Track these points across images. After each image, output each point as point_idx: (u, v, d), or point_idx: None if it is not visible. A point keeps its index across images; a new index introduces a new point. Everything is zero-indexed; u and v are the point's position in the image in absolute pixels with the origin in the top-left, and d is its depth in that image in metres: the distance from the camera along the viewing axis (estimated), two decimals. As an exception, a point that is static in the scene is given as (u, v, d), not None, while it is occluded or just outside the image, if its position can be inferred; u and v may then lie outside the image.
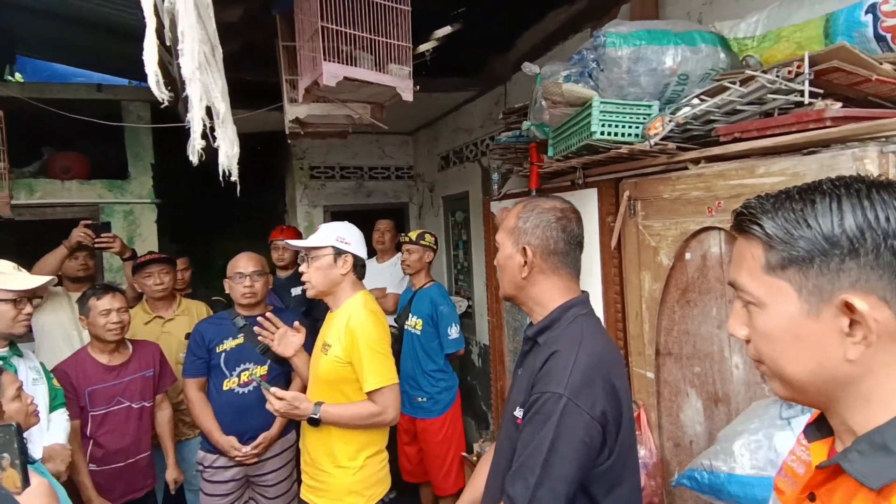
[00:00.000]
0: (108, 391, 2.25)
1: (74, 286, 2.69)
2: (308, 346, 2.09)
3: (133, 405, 2.32)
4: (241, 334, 2.31)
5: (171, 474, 2.46)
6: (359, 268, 1.93)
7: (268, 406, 1.79)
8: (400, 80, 1.99)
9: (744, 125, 1.41)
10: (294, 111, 2.38)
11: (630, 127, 1.65)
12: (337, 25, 1.83)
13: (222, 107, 1.42)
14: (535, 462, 0.96)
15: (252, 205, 5.81)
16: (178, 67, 2.35)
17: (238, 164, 1.67)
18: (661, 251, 1.61)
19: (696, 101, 1.52)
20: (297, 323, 2.10)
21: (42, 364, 1.97)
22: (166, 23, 1.85)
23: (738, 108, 1.43)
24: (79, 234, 2.59)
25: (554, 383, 1.00)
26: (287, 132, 2.71)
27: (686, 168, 1.56)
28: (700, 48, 1.61)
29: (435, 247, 3.05)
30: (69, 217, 3.58)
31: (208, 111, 1.47)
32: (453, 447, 2.81)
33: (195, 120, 1.27)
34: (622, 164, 1.75)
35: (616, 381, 1.05)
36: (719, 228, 1.46)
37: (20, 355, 1.86)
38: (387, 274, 3.43)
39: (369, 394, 1.78)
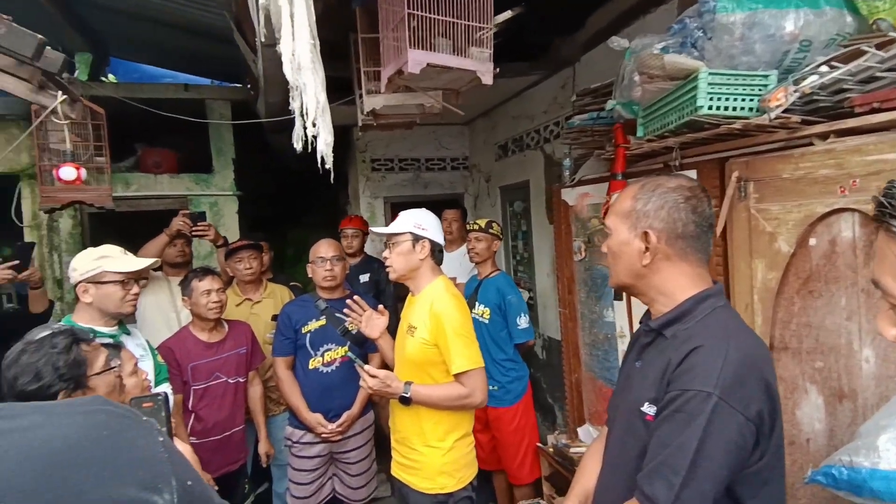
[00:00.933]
0: (207, 367, 2.38)
1: (173, 271, 2.84)
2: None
3: (229, 380, 2.43)
4: (323, 316, 2.41)
5: (262, 448, 2.58)
6: (437, 253, 1.96)
7: (361, 383, 1.84)
8: (480, 64, 1.92)
9: (884, 93, 1.26)
10: (371, 102, 2.38)
11: (743, 100, 1.51)
12: (421, 11, 1.78)
13: (322, 97, 1.43)
14: (680, 462, 0.88)
15: (318, 197, 5.99)
16: (261, 65, 2.39)
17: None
18: (780, 237, 1.48)
19: (824, 68, 1.37)
20: (381, 306, 2.16)
21: (147, 341, 2.06)
22: (261, 20, 1.85)
23: (877, 74, 1.29)
24: (179, 222, 2.73)
25: (700, 381, 0.91)
26: (359, 125, 2.72)
27: (811, 144, 1.42)
28: (824, 11, 1.46)
29: (501, 236, 2.99)
30: (161, 208, 3.85)
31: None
32: (527, 437, 2.76)
33: (309, 107, 1.25)
34: (729, 143, 1.62)
35: (769, 377, 0.95)
36: (854, 210, 1.31)
37: (128, 333, 1.94)
38: (455, 263, 3.39)
39: (457, 376, 1.80)
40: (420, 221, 1.93)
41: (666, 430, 0.93)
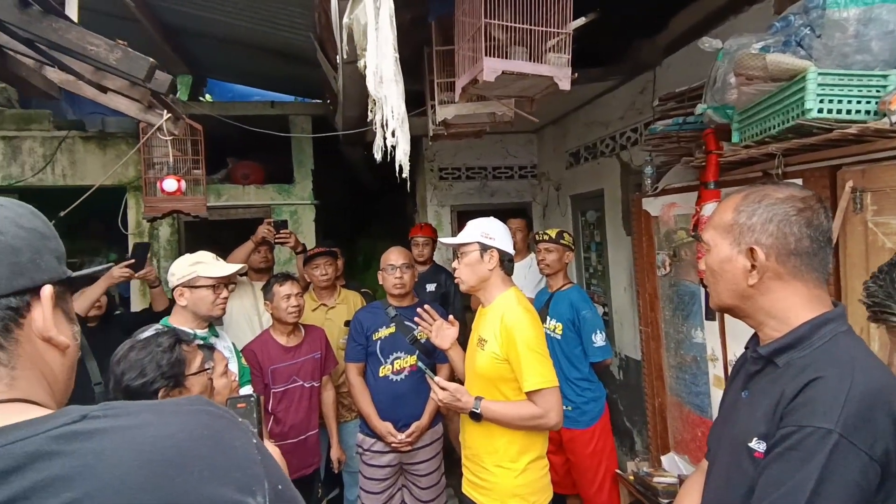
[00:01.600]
0: (286, 370, 2.46)
1: (257, 276, 3.00)
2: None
3: (305, 384, 2.50)
4: (393, 324, 2.43)
5: (335, 453, 2.63)
6: (506, 263, 1.89)
7: (431, 395, 1.82)
8: (558, 69, 1.86)
9: None
10: (443, 112, 2.40)
11: (858, 102, 1.36)
12: (497, 20, 1.76)
13: (402, 108, 1.45)
14: None
15: (386, 206, 6.16)
16: (341, 81, 2.48)
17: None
18: (908, 253, 1.30)
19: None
20: (451, 317, 2.13)
21: (233, 343, 2.17)
22: (343, 38, 1.92)
23: None
24: (264, 230, 2.89)
25: (819, 416, 0.81)
26: (430, 135, 2.75)
27: (946, 149, 1.24)
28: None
29: (573, 247, 2.87)
30: (247, 217, 4.15)
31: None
32: (605, 462, 2.61)
33: (390, 118, 1.26)
34: (842, 149, 1.45)
35: None
36: None
37: (217, 336, 2.05)
38: (521, 275, 3.31)
39: (529, 394, 1.72)
40: (487, 230, 1.88)
41: (778, 470, 0.84)
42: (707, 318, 1.97)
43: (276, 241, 2.98)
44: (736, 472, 0.94)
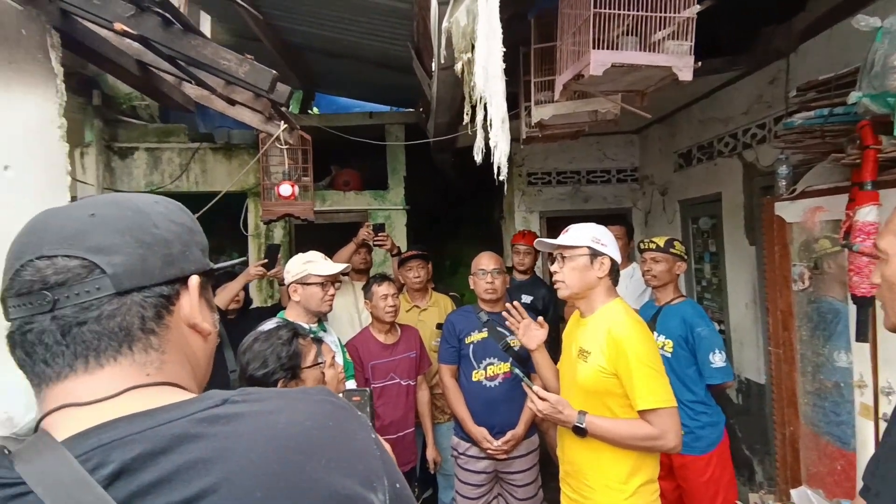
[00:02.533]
0: (385, 367, 2.52)
1: (357, 276, 3.14)
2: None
3: (402, 382, 2.55)
4: (485, 329, 2.40)
5: (430, 453, 2.65)
6: (615, 273, 1.75)
7: (529, 404, 1.73)
8: (678, 58, 1.69)
9: None
10: (540, 113, 2.31)
11: None
12: (608, 9, 1.63)
13: (504, 107, 1.40)
14: None
15: (474, 211, 6.18)
16: (435, 87, 2.49)
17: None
18: None
19: None
20: (541, 318, 2.04)
21: (338, 338, 2.27)
22: (442, 42, 1.91)
23: None
24: (364, 232, 3.02)
25: None
26: (523, 137, 2.65)
27: None
28: None
29: (685, 257, 2.60)
30: (347, 221, 4.37)
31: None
32: (722, 492, 2.33)
33: (495, 116, 1.21)
34: None
35: None
36: None
37: (325, 331, 2.16)
38: (622, 286, 3.06)
39: (643, 413, 1.57)
40: (599, 236, 1.75)
41: None
42: (858, 340, 1.68)
43: (375, 243, 3.08)
44: None
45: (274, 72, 1.54)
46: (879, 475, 0.93)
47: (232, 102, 1.80)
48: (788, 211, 2.03)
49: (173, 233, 0.57)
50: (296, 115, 4.13)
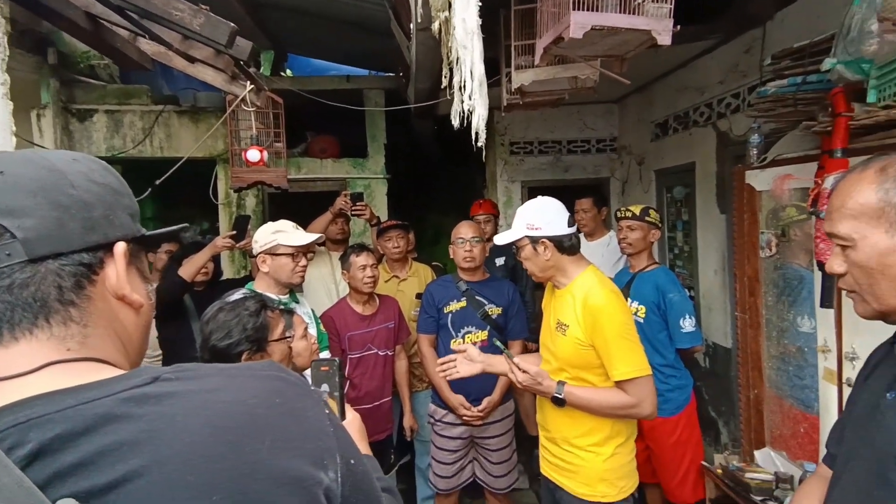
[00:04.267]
0: (362, 337, 2.52)
1: (334, 247, 3.10)
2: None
3: (379, 353, 2.56)
4: (464, 298, 2.41)
5: (407, 421, 2.68)
6: (566, 243, 1.72)
7: (509, 374, 1.74)
8: (657, 22, 1.66)
9: None
10: (520, 79, 2.26)
11: None
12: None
13: (480, 69, 1.35)
14: None
15: (456, 181, 6.12)
16: (414, 50, 2.40)
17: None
18: None
19: None
20: (471, 349, 1.88)
21: (312, 310, 2.23)
22: (419, 1, 1.84)
23: None
24: (341, 202, 2.95)
25: None
26: (504, 104, 2.61)
27: None
28: None
29: (660, 224, 2.65)
30: (324, 190, 4.25)
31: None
32: (689, 453, 2.44)
33: (468, 77, 1.17)
34: None
35: None
36: None
37: (297, 302, 2.11)
38: (598, 254, 3.13)
39: (619, 383, 1.61)
40: (531, 220, 1.72)
41: None
42: (822, 306, 1.74)
43: (353, 213, 3.03)
44: (880, 487, 0.80)
45: (232, 24, 1.45)
46: (845, 443, 0.93)
47: (191, 60, 1.70)
48: (758, 179, 2.06)
49: (94, 194, 0.52)
50: (267, 76, 3.96)
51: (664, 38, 1.66)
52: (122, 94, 4.01)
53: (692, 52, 3.05)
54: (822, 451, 1.02)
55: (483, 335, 2.39)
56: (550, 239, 1.69)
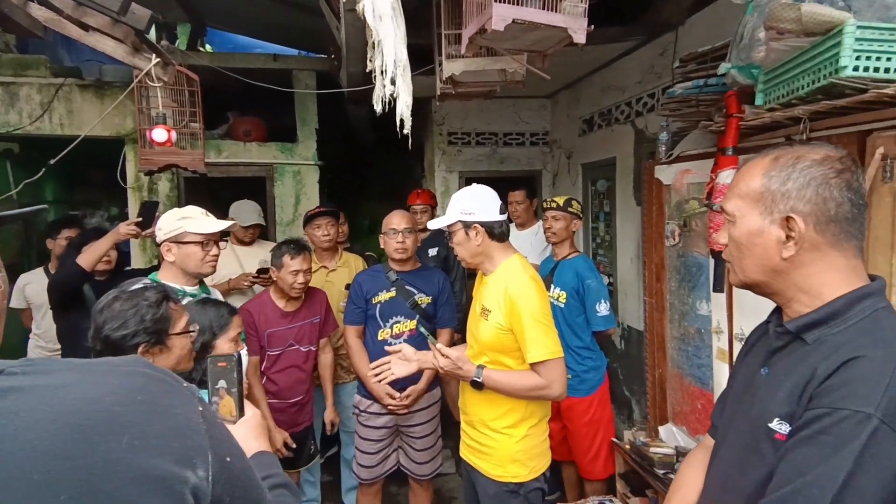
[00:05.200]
0: (283, 334, 2.45)
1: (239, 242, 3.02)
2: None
3: (302, 348, 2.50)
4: (394, 288, 2.40)
5: (329, 415, 2.64)
6: (496, 233, 1.79)
7: (433, 362, 1.78)
8: (573, 20, 1.74)
9: None
10: (450, 68, 2.28)
11: (901, 59, 1.25)
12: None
13: (403, 54, 1.35)
14: (821, 495, 0.72)
15: (394, 170, 6.06)
16: (344, 31, 2.35)
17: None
18: (939, 225, 1.21)
19: None
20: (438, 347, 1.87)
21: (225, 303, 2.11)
22: None
23: None
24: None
25: (858, 399, 0.74)
26: (437, 93, 2.63)
27: None
28: None
29: (581, 215, 2.79)
30: (249, 175, 4.04)
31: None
32: (601, 431, 2.61)
33: (389, 63, 1.17)
34: (876, 112, 1.35)
35: None
36: None
37: (208, 293, 2.01)
38: (528, 243, 3.26)
39: (533, 365, 1.69)
40: (465, 206, 1.79)
41: (804, 455, 0.77)
42: (715, 290, 1.90)
43: (255, 281, 2.89)
44: (752, 454, 0.88)
45: (124, -12, 1.35)
46: (725, 415, 1.03)
47: (86, 27, 1.58)
48: (665, 174, 2.22)
49: None
50: (182, 51, 3.70)
51: (579, 37, 1.74)
52: (17, 64, 3.62)
53: (614, 52, 3.21)
54: (711, 426, 1.10)
55: (412, 325, 2.40)
56: (482, 224, 1.76)
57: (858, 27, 1.25)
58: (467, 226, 1.77)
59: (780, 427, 0.83)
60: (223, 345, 1.54)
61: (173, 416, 0.49)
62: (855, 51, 1.26)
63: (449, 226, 1.82)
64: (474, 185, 1.87)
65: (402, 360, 1.86)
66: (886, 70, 1.26)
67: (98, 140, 3.60)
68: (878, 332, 0.80)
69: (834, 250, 0.85)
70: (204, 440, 0.50)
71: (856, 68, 1.26)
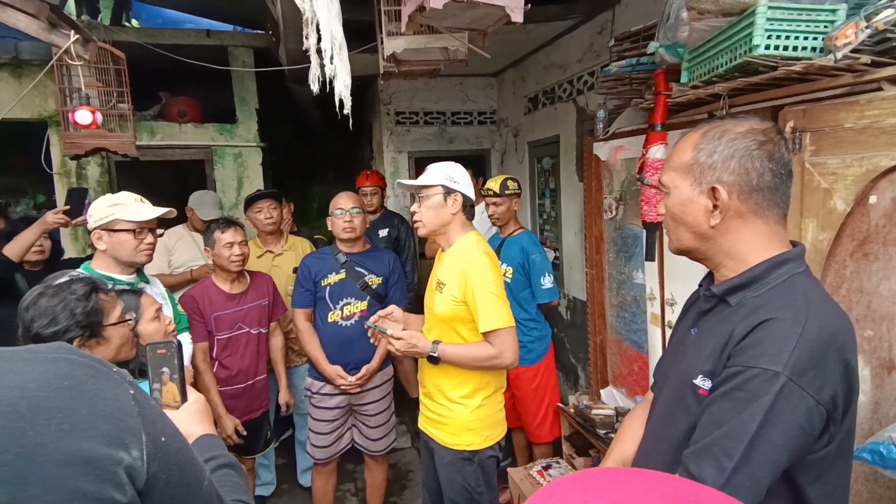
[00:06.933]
0: (230, 317, 2.41)
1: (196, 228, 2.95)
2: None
3: (251, 331, 2.47)
4: (343, 270, 2.39)
5: (283, 397, 2.63)
6: (468, 208, 1.88)
7: (388, 347, 1.83)
8: (510, -1, 1.76)
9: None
10: (391, 45, 2.25)
11: (806, 38, 1.35)
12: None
13: (338, 32, 1.33)
14: (734, 445, 0.80)
15: (342, 151, 5.94)
16: (280, 6, 2.26)
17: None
18: (836, 194, 1.34)
19: (906, -1, 1.20)
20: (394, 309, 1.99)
21: (167, 290, 2.07)
22: None
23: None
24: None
25: (768, 358, 0.81)
26: (381, 71, 2.60)
27: (879, 89, 1.26)
28: (911, -69, 1.26)
29: (519, 191, 2.86)
30: (186, 158, 3.85)
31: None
32: (548, 396, 2.74)
33: (325, 42, 1.16)
34: (786, 88, 1.46)
35: (850, 358, 0.84)
36: (927, 163, 1.17)
37: (147, 282, 1.95)
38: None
39: (485, 335, 1.75)
40: (451, 174, 1.84)
41: (721, 409, 0.84)
42: (646, 259, 2.02)
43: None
44: (679, 407, 0.95)
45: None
46: (661, 372, 1.12)
47: (-6, 0, 1.46)
48: (602, 150, 2.31)
49: None
50: (106, 26, 3.47)
51: (517, 16, 1.77)
52: (-83, 39, 3.30)
53: (556, 30, 3.26)
54: (651, 382, 1.19)
55: (363, 305, 2.41)
56: (463, 196, 1.82)
57: (769, 7, 1.34)
58: (449, 192, 1.81)
59: (703, 383, 0.90)
60: (147, 327, 1.49)
61: (102, 399, 0.50)
62: (766, 30, 1.34)
63: (427, 187, 1.82)
64: (455, 163, 1.91)
65: (393, 322, 1.93)
66: (795, 48, 1.36)
67: (18, 123, 3.35)
68: (792, 296, 0.86)
69: (757, 218, 0.92)
70: (136, 422, 0.51)
71: (767, 47, 1.35)
